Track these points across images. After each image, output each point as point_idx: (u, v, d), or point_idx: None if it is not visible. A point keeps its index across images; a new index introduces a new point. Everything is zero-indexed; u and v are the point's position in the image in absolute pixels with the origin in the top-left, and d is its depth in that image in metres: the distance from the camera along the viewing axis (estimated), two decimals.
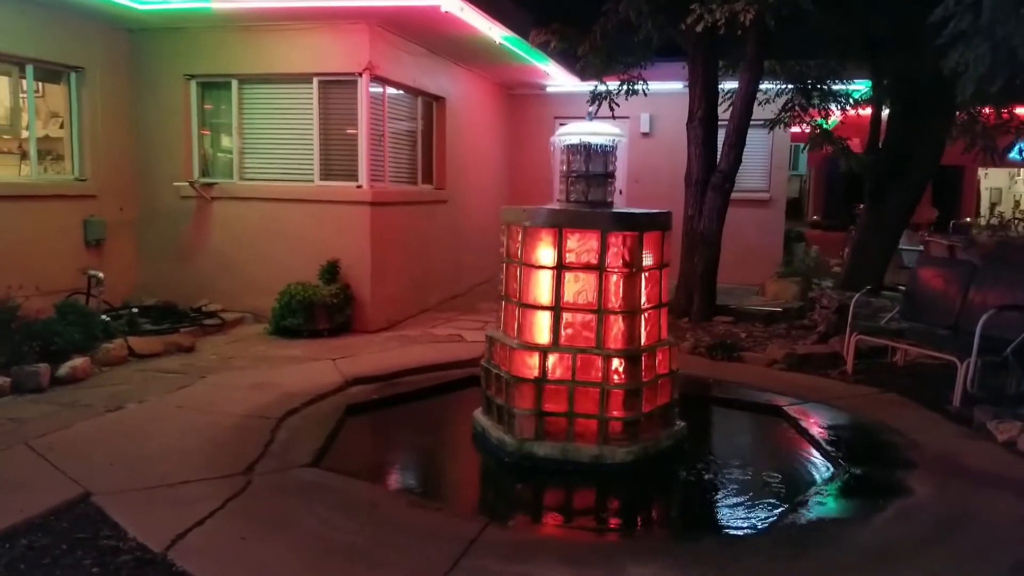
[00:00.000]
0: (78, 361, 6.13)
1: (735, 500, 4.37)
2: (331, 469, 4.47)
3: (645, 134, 12.76)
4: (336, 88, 8.38)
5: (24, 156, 7.96)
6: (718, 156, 9.05)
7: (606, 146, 4.92)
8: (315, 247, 8.31)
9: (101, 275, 7.89)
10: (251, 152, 8.81)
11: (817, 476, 4.68)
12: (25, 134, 7.88)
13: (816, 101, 9.34)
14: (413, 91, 9.53)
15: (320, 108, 8.41)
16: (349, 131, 8.37)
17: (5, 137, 7.98)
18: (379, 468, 5.01)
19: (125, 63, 8.72)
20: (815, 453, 5.06)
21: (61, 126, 8.40)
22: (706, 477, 4.74)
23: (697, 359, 7.28)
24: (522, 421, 4.68)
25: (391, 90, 8.88)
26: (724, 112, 9.05)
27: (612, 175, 5.05)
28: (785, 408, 5.80)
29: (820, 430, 5.35)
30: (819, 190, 26.06)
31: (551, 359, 4.70)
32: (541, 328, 4.74)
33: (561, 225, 4.67)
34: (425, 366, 6.71)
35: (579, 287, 4.69)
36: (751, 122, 8.97)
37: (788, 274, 10.95)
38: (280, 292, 7.99)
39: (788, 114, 9.56)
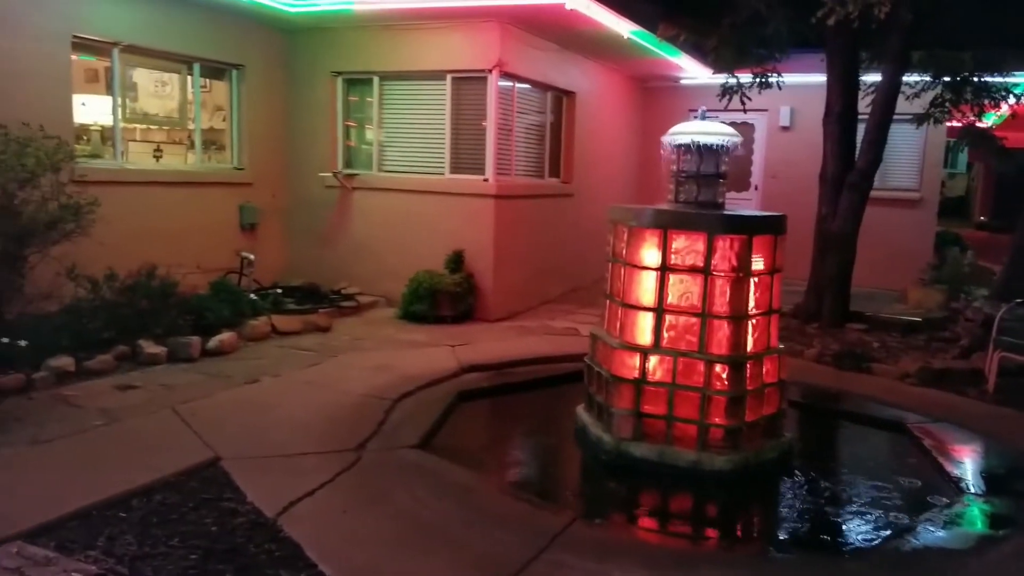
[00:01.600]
0: (226, 335, 6.75)
1: (837, 519, 4.22)
2: (435, 452, 4.71)
3: (784, 128, 12.23)
4: (468, 84, 8.66)
5: (191, 146, 8.83)
6: (856, 153, 8.55)
7: (718, 146, 4.81)
8: (443, 237, 8.66)
9: (252, 257, 8.64)
10: (389, 145, 9.29)
11: (934, 502, 4.40)
12: (192, 126, 8.74)
13: (968, 96, 8.59)
14: (542, 86, 9.66)
15: (452, 104, 8.73)
16: (478, 126, 8.63)
17: (175, 129, 8.87)
18: (480, 454, 5.21)
19: (279, 61, 9.43)
20: (936, 477, 4.75)
21: (223, 119, 9.23)
22: (809, 493, 4.59)
23: (821, 368, 6.98)
24: (620, 421, 4.72)
25: (520, 85, 9.05)
26: (867, 106, 8.53)
27: (724, 176, 4.94)
28: (910, 426, 5.47)
29: (945, 452, 5.02)
30: (988, 188, 23.83)
31: (652, 360, 4.70)
32: (643, 329, 4.75)
33: (666, 226, 4.64)
34: (538, 358, 6.87)
35: (683, 289, 4.66)
36: (898, 117, 8.39)
37: (934, 280, 10.17)
38: (409, 279, 8.40)
39: (938, 109, 8.85)
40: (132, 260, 6.77)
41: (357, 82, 9.37)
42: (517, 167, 9.18)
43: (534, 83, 9.41)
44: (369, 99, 9.27)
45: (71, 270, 6.18)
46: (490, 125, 8.50)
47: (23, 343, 5.46)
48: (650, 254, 4.70)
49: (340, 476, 4.23)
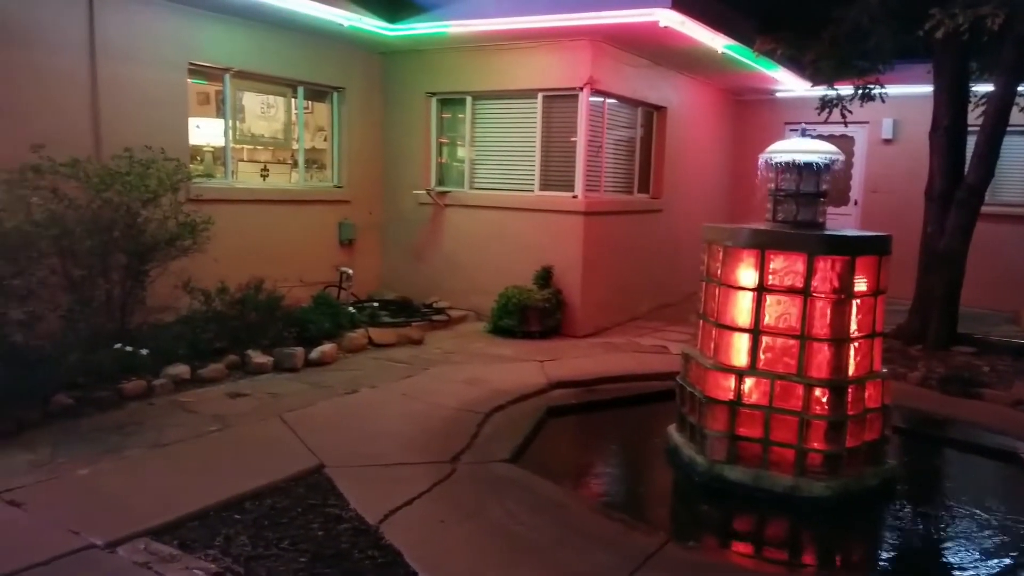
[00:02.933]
0: (327, 347, 7.04)
1: (940, 551, 4.05)
2: (527, 467, 4.78)
3: (887, 140, 11.79)
4: (558, 102, 8.77)
5: (294, 165, 9.27)
6: (965, 168, 8.18)
7: (819, 165, 4.73)
8: (532, 253, 8.77)
9: (351, 271, 8.99)
10: (481, 163, 9.49)
11: None
12: (296, 146, 9.17)
13: None
14: (633, 102, 9.67)
15: (543, 121, 8.86)
16: (568, 143, 8.71)
17: (280, 149, 9.33)
18: (570, 471, 5.26)
19: (376, 83, 9.79)
20: None
21: (324, 139, 9.65)
22: (912, 522, 4.43)
23: (926, 392, 6.69)
24: (714, 443, 4.67)
25: (610, 101, 9.09)
26: (977, 118, 8.15)
27: (825, 195, 4.84)
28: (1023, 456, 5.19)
29: None
30: None
31: (747, 383, 4.64)
32: (738, 350, 4.70)
33: (764, 246, 4.58)
34: (626, 375, 6.86)
35: (781, 311, 4.58)
36: (1011, 129, 7.98)
37: None
38: (499, 294, 8.54)
39: None
40: (241, 274, 7.16)
41: (450, 102, 9.63)
42: (606, 183, 9.21)
43: (624, 99, 9.43)
44: (461, 118, 9.51)
45: (187, 283, 6.59)
46: (580, 142, 8.57)
47: (145, 351, 5.85)
48: (747, 274, 4.65)
49: (436, 487, 4.35)
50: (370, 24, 8.33)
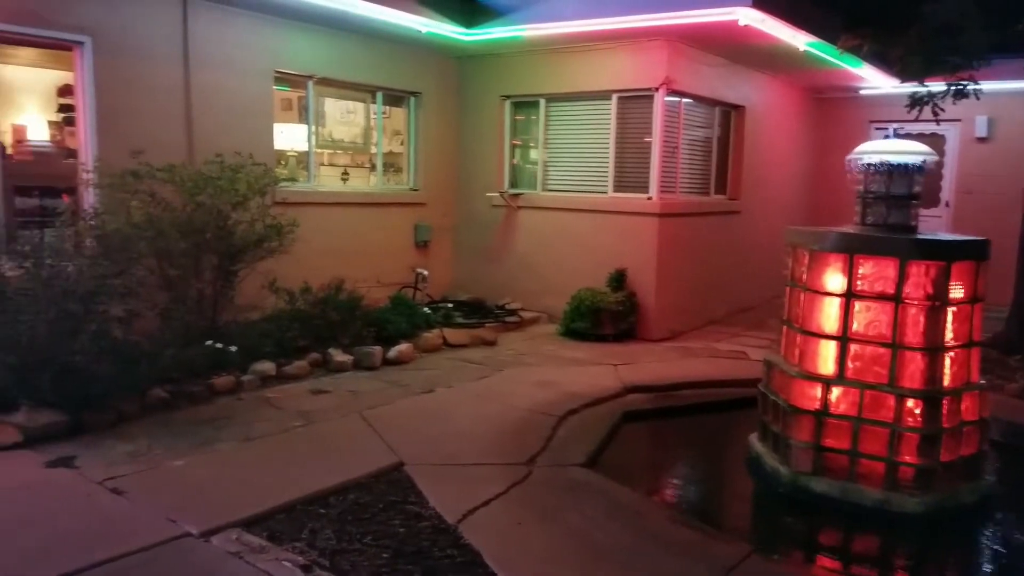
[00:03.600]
0: (403, 346, 7.17)
1: None
2: (603, 472, 4.75)
3: (981, 139, 11.24)
4: (633, 103, 8.70)
5: (372, 168, 9.47)
6: None
7: (912, 166, 4.55)
8: (605, 255, 8.72)
9: (426, 272, 9.13)
10: (553, 165, 9.50)
11: None
12: (374, 150, 9.38)
13: None
14: (710, 101, 9.51)
15: (617, 122, 8.80)
16: (643, 144, 8.63)
17: (359, 152, 9.54)
18: (647, 477, 5.21)
19: (452, 87, 9.92)
20: None
21: (401, 143, 9.83)
22: (1011, 542, 4.21)
23: None
24: (798, 453, 4.55)
25: (687, 101, 8.97)
26: None
27: (917, 197, 4.66)
28: None
29: None
30: None
31: (834, 392, 4.51)
32: (825, 358, 4.57)
33: (853, 251, 4.45)
34: (703, 381, 6.75)
35: (870, 318, 4.44)
36: None
37: None
38: (571, 296, 8.53)
39: None
40: (322, 274, 7.37)
41: (524, 104, 9.67)
42: (682, 184, 9.09)
43: (701, 99, 9.29)
44: (535, 120, 9.54)
45: (272, 283, 6.82)
46: (655, 143, 8.49)
47: (234, 348, 6.08)
48: (834, 279, 4.52)
49: (513, 489, 4.37)
50: (447, 30, 8.45)
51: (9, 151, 7.08)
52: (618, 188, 8.88)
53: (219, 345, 6.07)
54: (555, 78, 9.17)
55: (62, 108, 8.38)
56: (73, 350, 4.89)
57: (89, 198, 6.39)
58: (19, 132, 8.02)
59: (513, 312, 9.20)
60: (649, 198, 8.56)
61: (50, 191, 6.67)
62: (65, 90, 8.16)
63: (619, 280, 8.59)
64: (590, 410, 5.89)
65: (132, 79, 6.70)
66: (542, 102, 9.39)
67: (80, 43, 6.41)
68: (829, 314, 4.55)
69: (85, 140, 6.56)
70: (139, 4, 6.70)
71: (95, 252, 5.47)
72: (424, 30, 8.26)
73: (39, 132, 8.27)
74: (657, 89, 8.37)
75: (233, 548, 3.55)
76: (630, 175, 8.82)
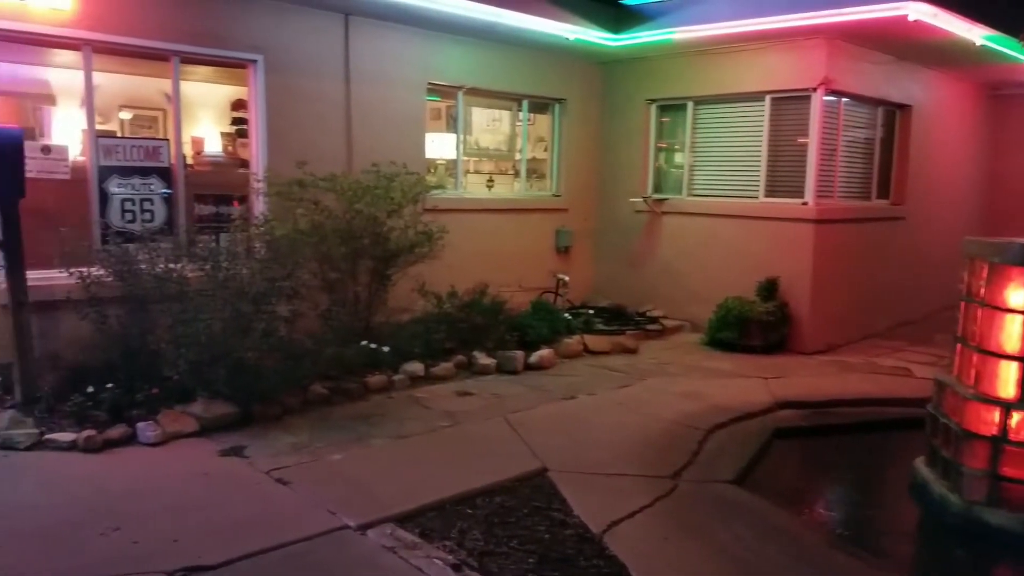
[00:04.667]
0: (545, 352, 7.24)
1: None
2: (752, 490, 4.59)
3: None
4: (788, 104, 8.34)
5: (516, 175, 9.63)
6: None
7: None
8: (754, 263, 8.40)
9: (567, 278, 9.17)
10: (700, 169, 9.27)
11: None
12: (518, 157, 9.53)
13: None
14: (872, 101, 8.95)
15: (770, 125, 8.47)
16: (798, 147, 8.25)
17: (503, 159, 9.74)
18: (801, 499, 4.97)
19: (596, 92, 9.91)
20: None
21: (544, 149, 9.93)
22: None
23: None
24: (972, 482, 4.19)
25: (846, 101, 8.49)
26: None
27: None
28: None
29: None
30: None
31: (1015, 417, 4.12)
32: (1005, 380, 4.19)
33: None
34: (862, 399, 6.36)
35: None
36: None
37: None
38: (718, 305, 8.28)
39: None
40: (467, 278, 7.58)
41: (670, 108, 9.50)
42: (840, 189, 8.61)
43: (862, 98, 8.76)
44: (681, 124, 9.35)
45: (422, 287, 7.10)
46: (812, 146, 8.09)
47: (386, 349, 6.38)
48: (1018, 295, 4.13)
49: (658, 502, 4.30)
50: (594, 36, 8.47)
51: (190, 162, 7.77)
52: (770, 193, 8.54)
53: (373, 345, 6.38)
54: (704, 80, 8.95)
55: (235, 121, 9.11)
56: (245, 347, 5.29)
57: (259, 206, 6.91)
58: (198, 144, 8.79)
59: (655, 320, 9.06)
60: (804, 203, 8.17)
61: (224, 199, 7.25)
62: (238, 104, 8.87)
63: (770, 289, 8.24)
64: (738, 425, 5.71)
65: (298, 93, 7.18)
66: (689, 105, 9.19)
67: (254, 61, 6.95)
68: (1011, 332, 4.16)
69: (256, 151, 7.10)
70: (306, 23, 7.18)
71: (265, 256, 5.91)
72: (571, 37, 8.32)
73: (213, 144, 9.03)
74: (815, 89, 7.98)
75: (388, 543, 3.71)
76: (783, 179, 8.46)
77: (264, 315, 5.44)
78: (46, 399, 5.16)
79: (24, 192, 5.05)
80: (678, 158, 9.54)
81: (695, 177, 9.31)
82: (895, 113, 9.48)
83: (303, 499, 4.17)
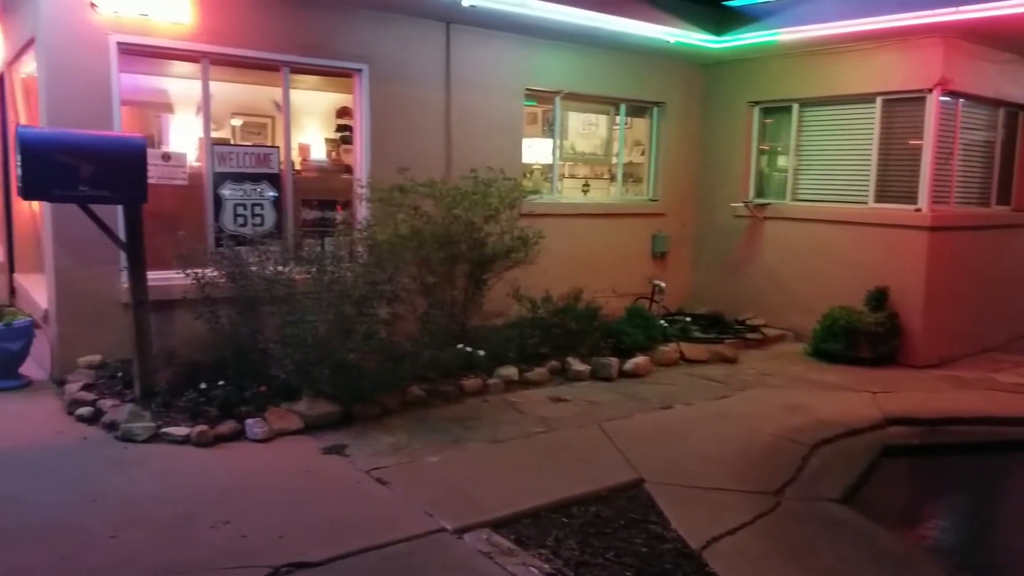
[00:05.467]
0: (640, 359, 7.14)
1: None
2: (860, 510, 4.39)
3: None
4: (900, 106, 7.95)
5: (612, 179, 9.55)
6: None
7: None
8: (862, 271, 8.04)
9: (664, 284, 9.02)
10: (805, 174, 8.94)
11: None
12: (614, 161, 9.45)
13: None
14: (992, 102, 8.42)
15: (881, 127, 8.09)
16: (911, 150, 7.84)
17: (599, 164, 9.67)
18: (912, 521, 4.73)
19: (697, 96, 9.71)
20: None
21: (641, 153, 9.81)
22: None
23: None
24: None
25: (964, 102, 8.00)
26: None
27: None
28: None
29: None
30: None
31: None
32: None
33: None
34: (980, 417, 6.01)
35: None
36: None
37: None
38: (823, 314, 7.96)
39: None
40: (561, 283, 7.57)
41: (773, 110, 9.22)
42: (957, 194, 8.13)
43: (981, 99, 8.25)
44: (785, 127, 9.04)
45: (516, 291, 7.13)
46: (927, 149, 7.68)
47: (481, 352, 6.44)
48: None
49: (760, 519, 4.18)
50: (696, 38, 8.32)
51: (297, 167, 8.07)
52: (880, 198, 8.15)
53: (468, 349, 6.45)
54: (810, 81, 8.64)
55: (339, 128, 9.41)
56: (347, 348, 5.45)
57: (362, 211, 7.12)
58: (304, 150, 9.12)
59: (755, 328, 8.79)
60: (918, 209, 7.75)
61: (328, 204, 7.50)
62: (342, 111, 9.16)
63: (879, 299, 7.86)
64: (845, 440, 5.48)
65: (400, 101, 7.36)
66: (794, 107, 8.88)
67: (359, 70, 7.16)
68: None
69: (360, 157, 7.31)
70: (409, 32, 7.35)
71: (367, 260, 6.07)
72: (673, 40, 8.20)
73: (318, 150, 9.35)
74: (931, 90, 7.57)
75: (484, 548, 3.74)
76: (895, 184, 8.06)
77: (366, 317, 5.58)
78: (162, 394, 5.43)
79: (147, 198, 5.36)
80: (781, 162, 9.23)
81: (800, 181, 8.98)
82: (1018, 114, 8.88)
83: (401, 500, 4.25)
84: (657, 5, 7.92)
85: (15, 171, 5.32)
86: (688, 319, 8.69)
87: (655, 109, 9.53)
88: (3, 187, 8.50)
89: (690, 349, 7.75)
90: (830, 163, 8.67)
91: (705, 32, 8.33)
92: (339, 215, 7.41)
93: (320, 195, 7.46)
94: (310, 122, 9.61)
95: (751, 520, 4.13)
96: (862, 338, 7.66)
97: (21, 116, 7.70)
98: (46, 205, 6.06)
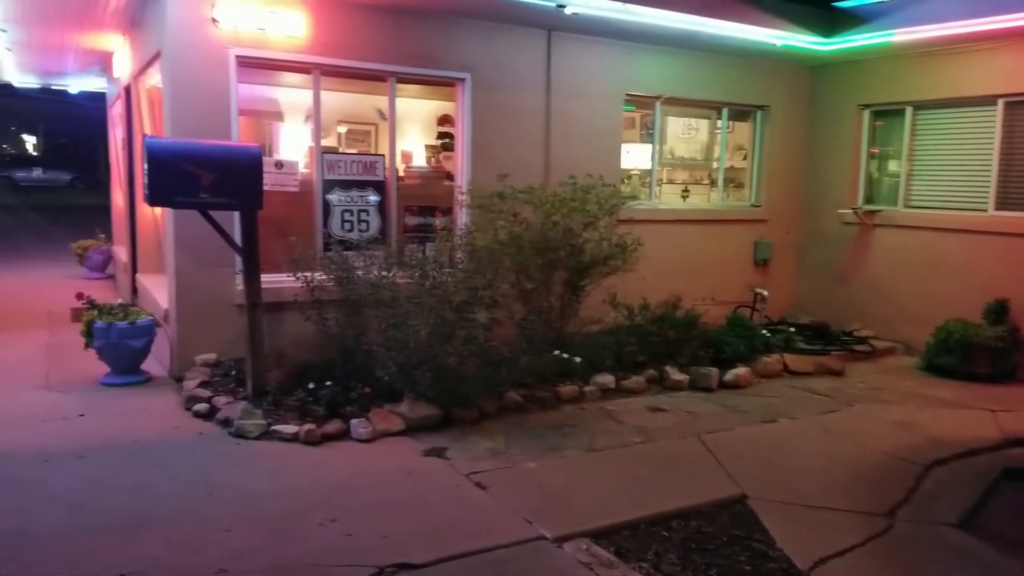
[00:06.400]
0: (741, 370, 6.97)
1: None
2: (979, 536, 4.16)
3: None
4: None
5: (712, 185, 9.36)
6: None
7: None
8: (982, 283, 7.60)
9: (766, 292, 8.77)
10: (918, 179, 8.52)
11: None
12: (715, 166, 9.26)
13: None
14: None
15: (1003, 131, 7.64)
16: None
17: (698, 169, 9.50)
18: None
19: (803, 99, 9.40)
20: None
21: (743, 158, 9.57)
22: None
23: None
24: None
25: None
26: None
27: None
28: None
29: None
30: None
31: None
32: None
33: None
34: None
35: None
36: None
37: None
38: (937, 328, 7.57)
39: None
40: (659, 290, 7.47)
41: (885, 114, 8.82)
42: None
43: None
44: (897, 131, 8.63)
45: (613, 298, 7.08)
46: None
47: (578, 359, 6.44)
48: None
49: (871, 542, 4.02)
50: (803, 41, 8.08)
51: (401, 174, 8.28)
52: (1001, 206, 7.68)
53: (565, 355, 6.46)
54: (925, 83, 8.23)
55: (440, 135, 9.59)
56: (447, 352, 5.54)
57: (462, 217, 7.24)
58: (407, 158, 9.35)
59: (863, 340, 8.42)
60: None
61: (429, 210, 7.66)
62: (443, 119, 9.34)
63: (999, 312, 7.41)
64: (962, 461, 5.21)
65: (501, 108, 7.45)
66: (908, 110, 8.47)
67: (462, 79, 7.30)
68: None
69: (461, 164, 7.45)
70: (511, 40, 7.43)
71: (467, 266, 6.17)
72: (779, 43, 7.98)
73: (419, 157, 9.57)
74: None
75: (584, 558, 3.74)
76: (1018, 191, 7.58)
77: (466, 322, 5.66)
78: (273, 393, 5.67)
79: (262, 204, 5.61)
80: (892, 167, 8.83)
81: (913, 187, 8.56)
82: None
83: (500, 505, 4.30)
84: (762, 7, 7.72)
85: (141, 178, 5.68)
86: (792, 329, 8.41)
87: (758, 113, 9.28)
88: (128, 192, 9.11)
89: (794, 360, 7.50)
90: (946, 168, 8.24)
91: (814, 34, 8.06)
92: (440, 221, 7.55)
93: (422, 201, 7.63)
94: (411, 129, 9.84)
95: (862, 542, 3.98)
96: (979, 353, 7.23)
97: (146, 125, 8.23)
98: (168, 210, 6.43)
